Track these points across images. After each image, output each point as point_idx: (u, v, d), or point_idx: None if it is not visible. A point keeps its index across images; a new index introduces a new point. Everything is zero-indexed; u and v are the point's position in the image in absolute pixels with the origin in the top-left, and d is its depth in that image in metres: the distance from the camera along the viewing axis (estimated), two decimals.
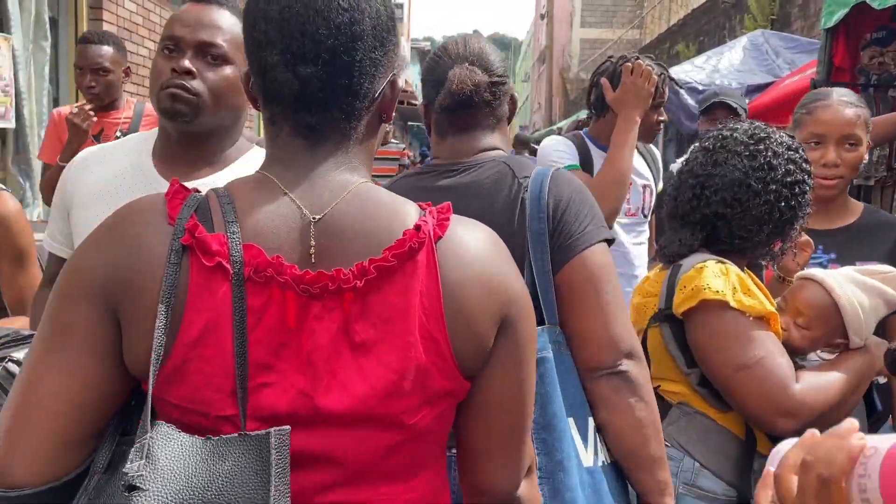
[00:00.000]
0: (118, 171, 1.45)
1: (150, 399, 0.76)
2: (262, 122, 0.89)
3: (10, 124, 4.23)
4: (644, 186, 2.61)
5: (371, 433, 0.80)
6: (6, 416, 0.79)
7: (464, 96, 1.36)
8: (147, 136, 1.53)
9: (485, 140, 1.40)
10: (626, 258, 2.47)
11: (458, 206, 0.90)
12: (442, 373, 0.82)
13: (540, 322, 1.18)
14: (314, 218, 0.80)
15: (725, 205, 1.46)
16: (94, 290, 0.78)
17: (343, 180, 0.84)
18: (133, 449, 0.73)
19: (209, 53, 1.38)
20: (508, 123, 1.47)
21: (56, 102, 4.84)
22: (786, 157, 1.47)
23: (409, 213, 0.84)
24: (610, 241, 1.33)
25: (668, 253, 1.54)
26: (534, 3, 35.95)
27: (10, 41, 4.17)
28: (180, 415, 0.79)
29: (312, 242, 0.79)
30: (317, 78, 0.80)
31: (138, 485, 0.70)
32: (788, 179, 1.46)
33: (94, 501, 0.78)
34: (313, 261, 0.79)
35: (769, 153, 1.46)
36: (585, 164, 2.40)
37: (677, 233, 1.54)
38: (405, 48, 24.32)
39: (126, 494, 0.70)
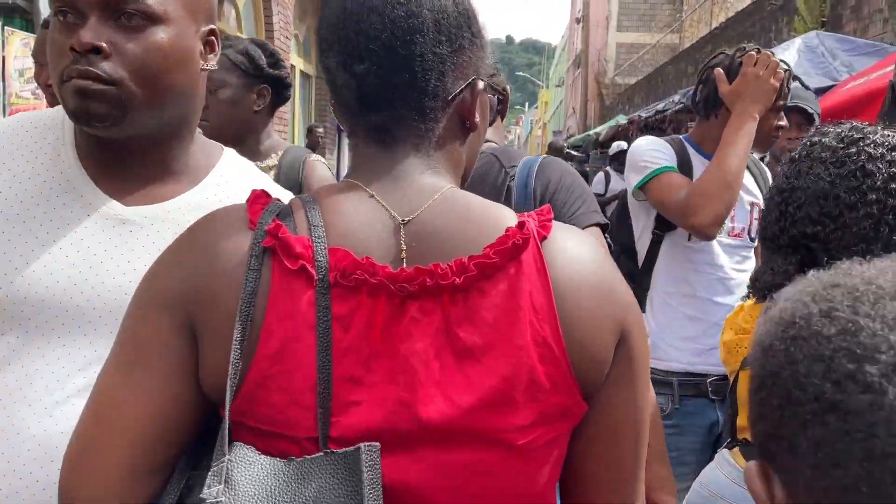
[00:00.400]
0: (29, 186, 0.99)
1: (227, 418, 0.70)
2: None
3: None
4: (752, 204, 2.14)
5: (474, 452, 0.71)
6: (74, 439, 0.74)
7: None
8: (53, 123, 1.03)
9: None
10: (726, 285, 2.05)
11: None
12: (557, 386, 0.73)
13: None
14: (403, 220, 0.75)
15: (813, 222, 1.22)
16: (170, 301, 0.73)
17: (430, 183, 0.79)
18: (210, 473, 0.68)
19: (123, 12, 0.93)
20: (501, 117, 1.43)
21: None
22: (888, 159, 1.19)
23: (506, 216, 0.78)
24: (604, 228, 1.28)
25: (760, 285, 1.30)
26: (569, 7, 35.69)
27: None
28: (262, 441, 0.71)
29: (403, 245, 0.74)
30: (373, 74, 0.76)
31: None
32: (894, 186, 1.19)
33: None
34: (405, 265, 0.73)
35: (862, 157, 1.19)
36: (684, 169, 2.03)
37: (769, 260, 1.31)
38: None
39: None
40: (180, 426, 0.73)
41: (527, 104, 74.48)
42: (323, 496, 0.65)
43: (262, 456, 0.69)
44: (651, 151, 2.06)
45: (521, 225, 0.75)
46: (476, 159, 0.90)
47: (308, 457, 0.67)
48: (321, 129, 8.28)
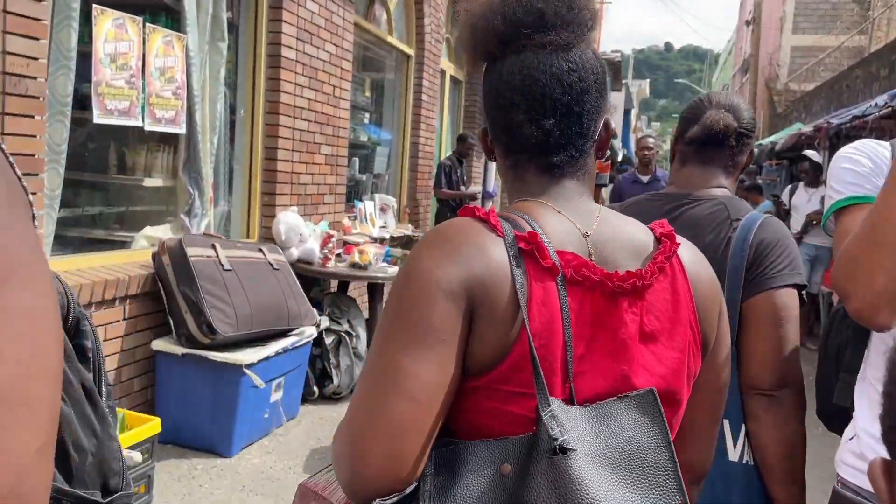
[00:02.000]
0: None
1: (541, 375, 0.83)
2: (502, 170, 1.04)
3: (181, 129, 4.00)
4: None
5: (664, 409, 0.89)
6: (364, 412, 0.83)
7: (713, 133, 1.60)
8: None
9: (717, 179, 1.63)
10: None
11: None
12: (696, 356, 0.97)
13: None
14: (587, 232, 0.94)
15: None
16: (456, 294, 0.84)
17: (589, 205, 0.99)
18: (545, 421, 0.81)
19: None
20: (742, 173, 1.69)
21: (233, 108, 4.61)
22: None
23: (643, 228, 1.00)
24: (801, 287, 1.47)
25: None
26: (737, 11, 33.59)
27: (183, 41, 3.93)
28: (518, 402, 0.85)
29: (591, 252, 0.93)
30: (556, 127, 0.96)
31: (569, 447, 0.79)
32: None
33: (439, 501, 0.81)
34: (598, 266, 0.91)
35: None
36: None
37: None
38: None
39: (559, 456, 0.78)
40: (453, 395, 0.85)
41: None
42: (629, 427, 0.85)
43: (570, 406, 0.85)
44: (843, 168, 1.40)
45: (670, 235, 0.98)
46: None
47: (603, 402, 0.86)
48: (473, 139, 7.91)
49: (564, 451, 0.78)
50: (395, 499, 0.79)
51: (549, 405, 0.81)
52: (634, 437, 0.83)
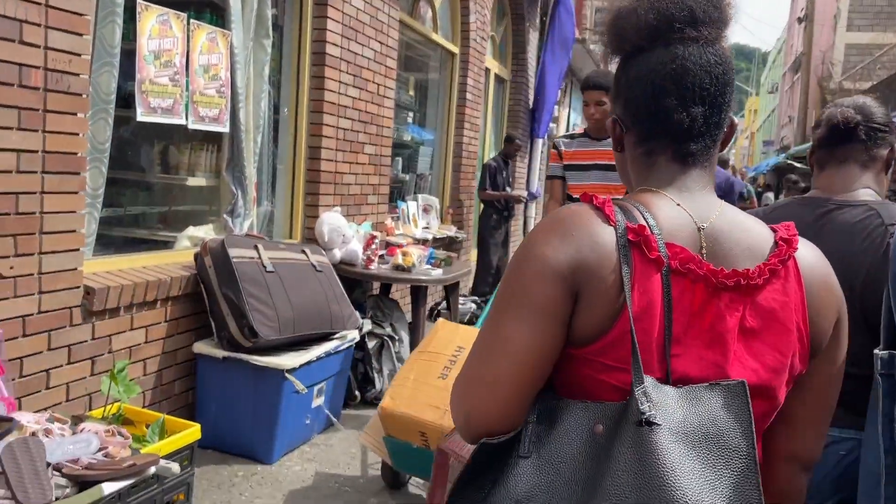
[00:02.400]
0: None
1: (637, 353, 0.91)
2: (630, 159, 1.11)
3: (224, 128, 3.93)
4: None
5: (756, 402, 0.95)
6: (477, 381, 0.98)
7: (834, 127, 1.68)
8: None
9: (858, 177, 1.68)
10: None
11: (825, 240, 1.23)
12: (801, 358, 1.02)
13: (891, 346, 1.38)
14: (702, 226, 1.00)
15: None
16: (564, 273, 0.94)
17: (710, 197, 1.05)
18: (636, 395, 0.89)
19: None
20: (888, 169, 1.70)
21: (277, 107, 4.55)
22: None
23: (765, 228, 1.05)
24: None
25: None
26: (788, 7, 32.78)
27: (228, 38, 3.86)
28: (611, 374, 0.95)
29: (703, 245, 0.99)
30: (701, 115, 1.03)
31: (655, 421, 0.87)
32: None
33: (541, 444, 0.94)
34: (704, 261, 0.97)
35: None
36: None
37: None
38: None
39: (644, 428, 0.87)
40: (554, 360, 0.97)
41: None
42: (715, 412, 0.90)
43: (661, 385, 0.92)
44: None
45: (788, 241, 1.02)
46: None
47: (694, 386, 0.93)
48: (520, 140, 7.75)
49: (650, 424, 0.86)
50: (499, 440, 0.94)
51: (643, 382, 0.90)
52: (717, 422, 0.89)
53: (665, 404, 0.89)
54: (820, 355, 1.04)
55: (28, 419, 2.04)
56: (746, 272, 0.96)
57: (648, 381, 0.90)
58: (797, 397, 1.05)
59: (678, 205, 1.00)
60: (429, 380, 3.02)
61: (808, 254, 1.04)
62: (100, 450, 2.04)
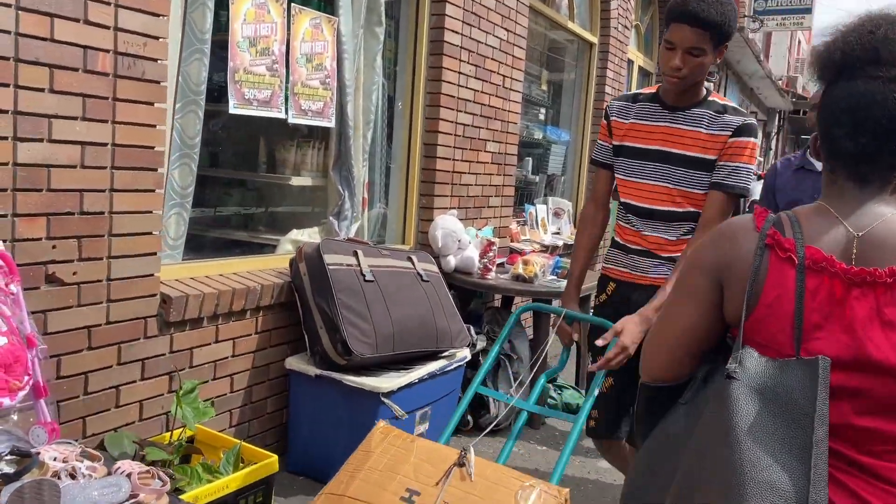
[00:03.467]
0: None
1: (741, 334, 1.20)
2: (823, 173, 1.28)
3: (329, 123, 3.60)
4: None
5: (890, 380, 1.12)
6: (652, 338, 1.38)
7: None
8: None
9: None
10: None
11: None
12: None
13: None
14: (858, 234, 1.17)
15: None
16: (709, 268, 1.27)
17: (881, 211, 1.19)
18: (732, 358, 1.17)
19: None
20: None
21: (391, 101, 4.19)
22: None
23: None
24: None
25: None
26: None
27: (334, 24, 3.53)
28: (761, 350, 1.19)
29: (854, 251, 1.16)
30: (871, 144, 1.17)
31: (734, 377, 1.15)
32: None
33: (695, 396, 1.28)
34: (853, 263, 1.15)
35: None
36: None
37: None
38: None
39: (727, 381, 1.15)
40: (710, 335, 1.30)
41: None
42: (794, 381, 1.11)
43: (759, 355, 1.17)
44: None
45: None
46: None
47: (785, 359, 1.15)
48: None
49: (730, 377, 1.15)
50: (667, 385, 1.35)
51: (740, 349, 1.18)
52: (791, 386, 1.12)
53: (752, 368, 1.16)
54: None
55: (54, 454, 1.74)
56: (873, 271, 1.13)
57: (747, 350, 1.18)
58: None
59: (836, 217, 1.19)
60: None
61: None
62: (130, 497, 1.70)
